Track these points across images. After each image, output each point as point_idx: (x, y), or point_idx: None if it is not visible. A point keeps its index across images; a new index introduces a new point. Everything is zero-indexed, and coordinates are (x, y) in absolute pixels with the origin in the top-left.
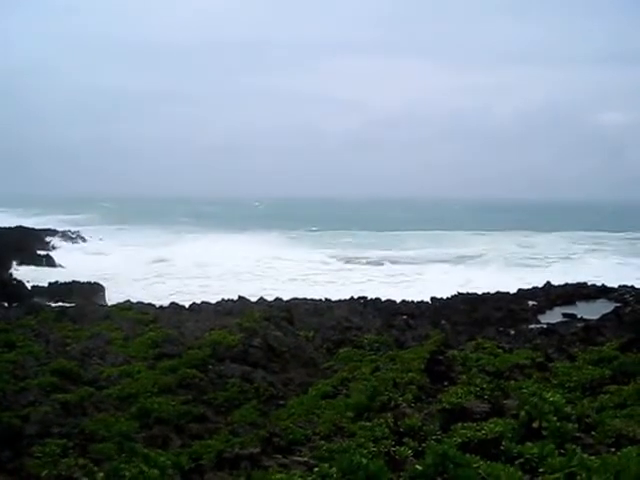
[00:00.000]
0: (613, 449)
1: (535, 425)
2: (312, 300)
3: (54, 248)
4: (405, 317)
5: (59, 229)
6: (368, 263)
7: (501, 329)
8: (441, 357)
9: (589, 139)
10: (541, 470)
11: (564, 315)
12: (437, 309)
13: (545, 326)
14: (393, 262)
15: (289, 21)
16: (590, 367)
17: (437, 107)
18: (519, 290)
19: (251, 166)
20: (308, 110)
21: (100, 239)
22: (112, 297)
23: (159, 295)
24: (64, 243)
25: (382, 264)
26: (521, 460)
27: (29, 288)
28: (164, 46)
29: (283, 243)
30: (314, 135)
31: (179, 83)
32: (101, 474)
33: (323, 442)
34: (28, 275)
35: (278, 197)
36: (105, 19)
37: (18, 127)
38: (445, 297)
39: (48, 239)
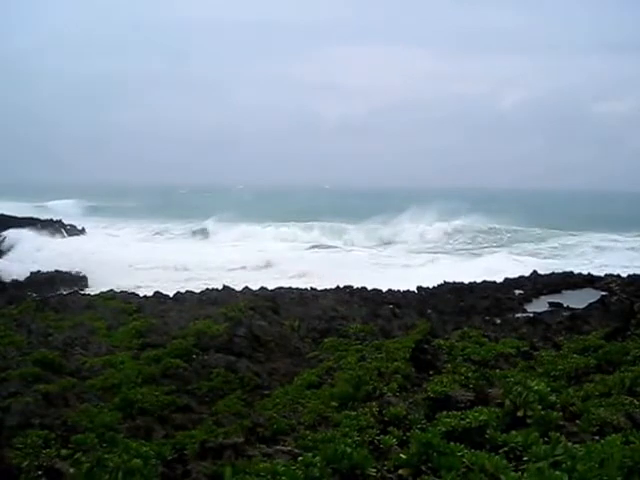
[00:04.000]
0: (597, 437)
1: (520, 414)
2: (297, 289)
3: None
4: (391, 306)
5: (41, 217)
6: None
7: (487, 318)
8: (427, 346)
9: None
10: (525, 458)
11: (550, 304)
12: (423, 298)
13: (531, 315)
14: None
15: (291, 6)
16: (575, 356)
17: (436, 95)
18: (506, 279)
19: (247, 154)
20: (307, 97)
21: (82, 228)
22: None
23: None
24: (46, 232)
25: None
26: (505, 449)
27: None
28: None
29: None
30: (313, 122)
31: (173, 67)
32: (86, 465)
33: (307, 432)
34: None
35: (275, 185)
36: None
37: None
38: (432, 286)
39: (29, 228)
